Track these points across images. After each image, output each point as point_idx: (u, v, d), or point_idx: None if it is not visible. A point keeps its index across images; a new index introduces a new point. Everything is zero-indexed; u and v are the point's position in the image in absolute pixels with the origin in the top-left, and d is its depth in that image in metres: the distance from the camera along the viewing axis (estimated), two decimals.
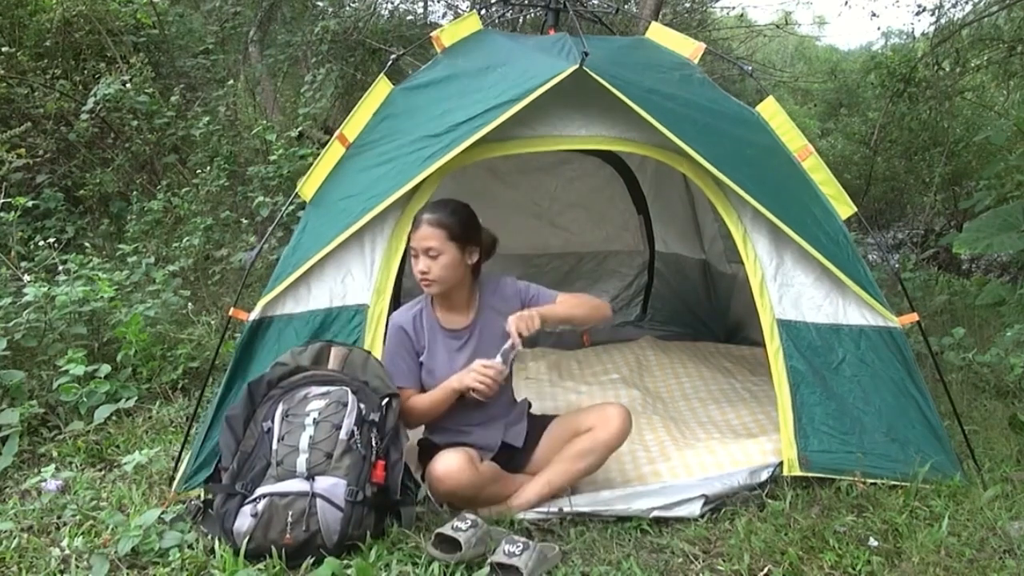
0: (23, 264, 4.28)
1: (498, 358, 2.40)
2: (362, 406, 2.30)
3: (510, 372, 2.51)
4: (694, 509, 2.45)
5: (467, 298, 2.59)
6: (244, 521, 2.14)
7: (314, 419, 2.23)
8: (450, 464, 2.36)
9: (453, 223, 2.45)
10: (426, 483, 2.44)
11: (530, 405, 2.78)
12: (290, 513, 2.12)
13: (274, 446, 2.22)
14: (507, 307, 2.55)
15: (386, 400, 2.35)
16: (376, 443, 2.27)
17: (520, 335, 2.38)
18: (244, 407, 2.33)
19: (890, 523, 2.35)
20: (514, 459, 2.62)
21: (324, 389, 2.33)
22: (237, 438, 2.29)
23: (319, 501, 2.14)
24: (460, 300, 2.58)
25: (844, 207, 2.78)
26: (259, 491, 2.17)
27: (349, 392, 2.32)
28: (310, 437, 2.20)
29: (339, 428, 2.22)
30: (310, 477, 2.16)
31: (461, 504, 2.40)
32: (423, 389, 2.55)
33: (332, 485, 2.16)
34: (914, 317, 2.74)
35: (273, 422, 2.27)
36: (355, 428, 2.24)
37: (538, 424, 2.69)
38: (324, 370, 2.42)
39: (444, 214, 2.46)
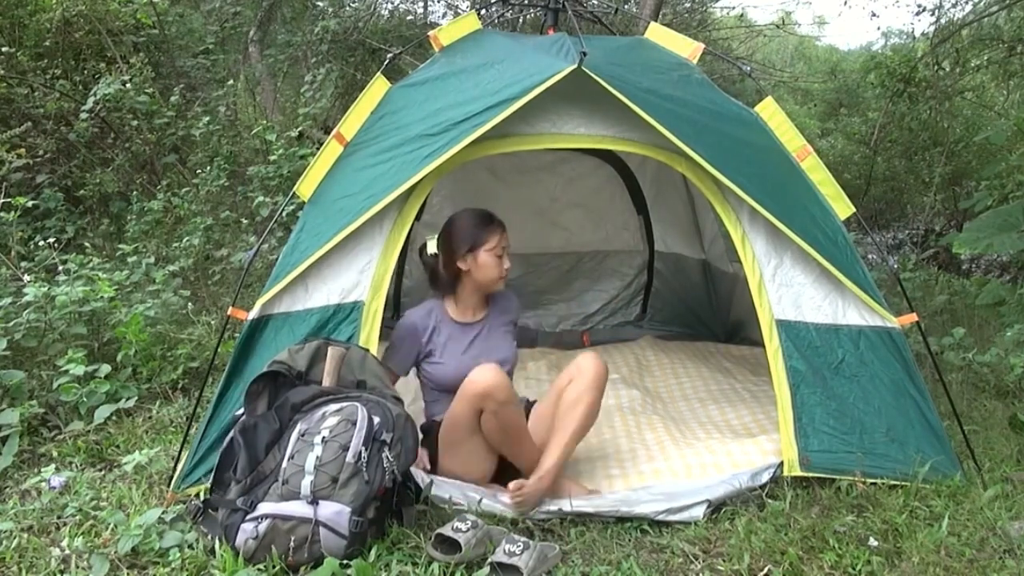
0: (23, 264, 4.28)
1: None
2: (375, 419, 2.25)
3: (511, 368, 2.74)
4: (697, 513, 2.44)
5: (483, 297, 2.80)
6: (245, 538, 2.12)
7: (323, 438, 2.18)
8: (486, 369, 2.43)
9: None
10: (460, 394, 2.48)
11: (533, 403, 2.84)
12: (292, 539, 2.09)
13: (284, 464, 2.19)
14: (507, 316, 2.84)
15: (404, 419, 2.31)
16: (387, 463, 2.21)
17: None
18: (269, 428, 2.28)
19: (890, 523, 2.35)
20: None
21: (339, 406, 2.28)
22: (257, 458, 2.24)
23: (322, 529, 2.10)
24: (479, 298, 2.78)
25: (843, 207, 2.78)
26: (262, 508, 2.13)
27: (360, 408, 2.26)
28: (317, 458, 2.14)
29: (346, 449, 2.16)
30: (314, 501, 2.10)
31: (492, 422, 2.45)
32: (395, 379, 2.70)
33: (336, 513, 2.11)
34: (913, 317, 2.74)
35: (290, 440, 2.24)
36: (363, 449, 2.18)
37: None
38: (342, 388, 2.39)
39: None
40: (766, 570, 2.17)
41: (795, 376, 2.64)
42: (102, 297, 3.67)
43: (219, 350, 2.87)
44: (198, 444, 2.53)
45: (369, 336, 2.59)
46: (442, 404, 2.68)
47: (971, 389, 3.60)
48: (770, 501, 2.49)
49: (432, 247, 2.77)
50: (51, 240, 4.42)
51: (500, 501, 2.46)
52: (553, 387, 2.71)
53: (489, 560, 2.12)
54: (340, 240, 2.57)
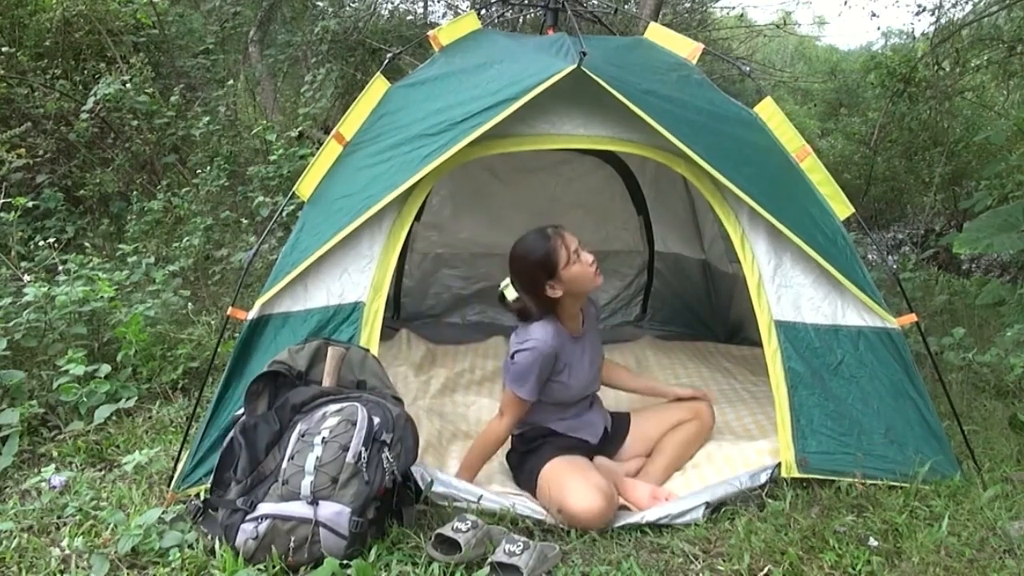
0: (23, 264, 4.28)
1: None
2: (375, 419, 2.25)
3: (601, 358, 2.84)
4: (697, 515, 2.44)
5: (582, 303, 2.72)
6: (245, 539, 2.12)
7: (323, 439, 2.18)
8: (592, 504, 2.35)
9: None
10: (557, 512, 2.42)
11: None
12: (292, 539, 2.09)
13: (284, 464, 2.19)
14: (594, 309, 2.87)
15: (404, 419, 2.32)
16: (387, 463, 2.21)
17: None
18: (270, 428, 2.28)
19: (890, 523, 2.35)
20: (601, 446, 2.78)
21: (339, 406, 2.29)
22: (257, 458, 2.25)
23: (322, 530, 2.10)
24: (579, 305, 2.70)
25: (842, 207, 2.77)
26: (262, 508, 2.13)
27: (360, 409, 2.26)
28: (317, 458, 2.15)
29: (346, 450, 2.16)
30: (314, 501, 2.11)
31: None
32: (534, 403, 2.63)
33: (336, 514, 2.11)
34: (912, 318, 2.74)
35: (290, 441, 2.24)
36: (363, 449, 2.18)
37: (622, 419, 2.91)
38: (342, 388, 2.39)
39: None
40: (766, 570, 2.17)
41: (793, 377, 2.63)
42: (102, 297, 3.67)
43: (219, 350, 2.87)
44: (198, 444, 2.53)
45: (370, 337, 2.59)
46: (542, 414, 2.69)
47: (971, 389, 3.60)
48: (770, 501, 2.49)
49: (511, 294, 2.59)
50: (51, 240, 4.43)
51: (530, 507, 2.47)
52: (664, 413, 2.90)
53: (489, 560, 2.12)
54: (340, 240, 2.57)
